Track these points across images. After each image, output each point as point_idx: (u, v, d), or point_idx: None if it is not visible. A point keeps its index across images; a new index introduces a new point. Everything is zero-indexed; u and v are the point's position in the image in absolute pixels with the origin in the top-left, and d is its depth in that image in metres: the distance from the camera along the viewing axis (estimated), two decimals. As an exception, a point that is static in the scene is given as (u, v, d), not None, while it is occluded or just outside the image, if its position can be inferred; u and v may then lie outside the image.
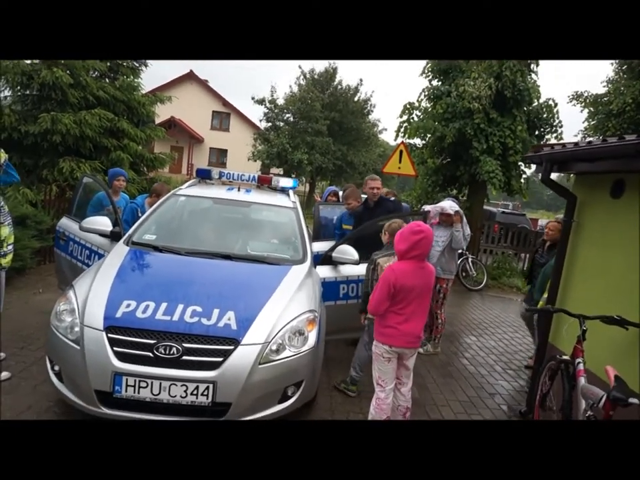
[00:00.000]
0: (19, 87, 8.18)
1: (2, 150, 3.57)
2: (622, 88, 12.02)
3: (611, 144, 2.85)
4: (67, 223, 4.69)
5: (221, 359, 2.71)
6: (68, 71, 7.99)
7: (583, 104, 13.18)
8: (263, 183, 5.35)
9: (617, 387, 2.25)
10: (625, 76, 12.44)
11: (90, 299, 2.93)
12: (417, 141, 10.49)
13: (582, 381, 2.76)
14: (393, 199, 5.42)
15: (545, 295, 4.10)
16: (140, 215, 4.69)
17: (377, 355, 3.15)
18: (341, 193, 6.25)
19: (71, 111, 7.90)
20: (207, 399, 2.66)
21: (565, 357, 3.10)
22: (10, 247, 3.52)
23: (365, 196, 5.01)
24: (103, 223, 4.04)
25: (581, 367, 2.85)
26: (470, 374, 4.82)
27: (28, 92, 8.15)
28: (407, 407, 3.20)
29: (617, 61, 12.65)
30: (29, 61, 8.22)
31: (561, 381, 3.05)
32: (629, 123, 11.45)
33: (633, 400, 2.14)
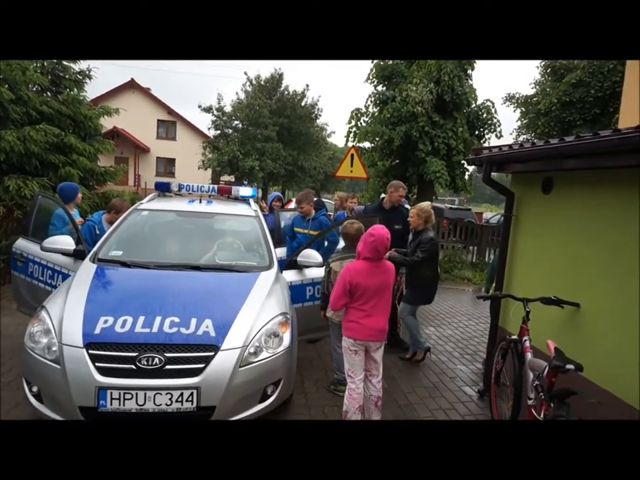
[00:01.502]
0: (-47, 104, 7.76)
1: None
2: (548, 89, 13.08)
3: (538, 147, 3.26)
4: (24, 244, 4.58)
5: (202, 365, 2.84)
6: (7, 86, 7.68)
7: (515, 104, 14.19)
8: (223, 193, 5.47)
9: (557, 357, 2.61)
10: (550, 78, 13.52)
11: (65, 317, 2.96)
12: (367, 144, 10.92)
13: (529, 356, 3.13)
14: (406, 206, 5.68)
15: (494, 285, 4.52)
16: (97, 232, 4.66)
17: (345, 348, 3.40)
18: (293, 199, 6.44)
19: (14, 127, 7.59)
20: (192, 404, 2.78)
21: (513, 337, 3.47)
22: None
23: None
24: (66, 242, 4.01)
25: (527, 344, 3.23)
26: (431, 362, 5.17)
27: (-36, 109, 7.74)
28: (377, 396, 3.46)
29: (542, 63, 13.73)
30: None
31: (511, 359, 3.42)
32: (555, 121, 12.49)
33: (569, 366, 2.50)
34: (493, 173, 4.14)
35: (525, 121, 14.02)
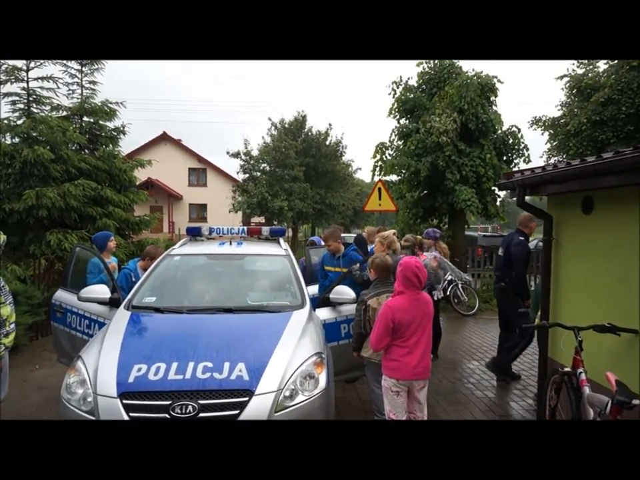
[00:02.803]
0: (0, 167, 8.32)
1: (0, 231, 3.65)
2: (575, 110, 12.84)
3: (574, 166, 3.12)
4: (62, 295, 4.70)
5: (237, 412, 2.73)
6: (49, 147, 8.19)
7: (543, 127, 13.97)
8: (253, 234, 5.51)
9: (620, 391, 2.37)
10: (576, 98, 13.31)
11: (100, 367, 2.95)
12: (393, 177, 10.90)
13: (586, 390, 2.87)
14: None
15: (540, 312, 4.26)
16: (133, 279, 4.74)
17: (386, 389, 3.22)
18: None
19: (54, 185, 8.03)
20: (228, 454, 2.66)
21: (566, 369, 3.21)
22: (12, 326, 3.52)
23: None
24: (101, 291, 4.08)
25: (583, 376, 2.97)
26: (478, 398, 4.86)
27: (10, 171, 8.28)
28: (422, 439, 3.24)
29: (567, 85, 13.57)
30: (9, 141, 8.42)
31: (566, 394, 3.15)
32: (587, 140, 12.17)
33: (635, 401, 2.26)
34: (527, 197, 4.00)
35: (554, 143, 13.73)
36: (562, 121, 13.50)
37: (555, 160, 14.13)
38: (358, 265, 4.51)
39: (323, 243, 6.32)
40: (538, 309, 4.41)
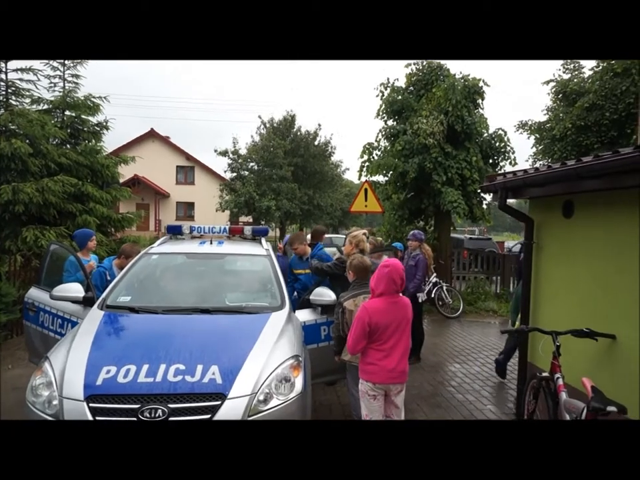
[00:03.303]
0: (-24, 160, 8.09)
1: None
2: (561, 114, 12.97)
3: (555, 169, 3.10)
4: (35, 293, 4.57)
5: (208, 416, 2.65)
6: (27, 141, 7.99)
7: (529, 131, 14.09)
8: (235, 233, 5.42)
9: (595, 398, 2.35)
10: (562, 103, 13.44)
11: (67, 368, 2.84)
12: (380, 178, 10.88)
13: (563, 395, 2.85)
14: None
15: (519, 316, 4.25)
16: (108, 277, 4.62)
17: (362, 392, 3.17)
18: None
19: (33, 180, 7.83)
20: (198, 459, 2.58)
21: (544, 374, 3.19)
22: None
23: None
24: (75, 289, 3.96)
25: (560, 382, 2.95)
26: (459, 402, 4.84)
27: (-15, 164, 8.06)
28: (400, 444, 3.19)
29: (552, 90, 13.69)
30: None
31: (544, 399, 3.13)
32: (572, 145, 12.30)
33: (610, 408, 2.24)
34: (511, 200, 3.99)
35: (540, 147, 13.85)
36: (547, 125, 13.63)
37: (540, 164, 14.28)
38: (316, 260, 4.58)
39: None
40: (518, 312, 4.40)
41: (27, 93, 8.67)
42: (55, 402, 2.70)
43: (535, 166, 14.31)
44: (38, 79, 8.71)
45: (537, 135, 14.01)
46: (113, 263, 4.81)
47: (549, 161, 13.37)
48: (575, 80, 13.23)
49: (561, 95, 13.40)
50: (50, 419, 2.66)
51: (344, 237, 6.88)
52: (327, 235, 13.03)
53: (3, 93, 8.39)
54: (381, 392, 3.11)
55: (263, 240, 5.27)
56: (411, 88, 10.88)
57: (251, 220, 24.61)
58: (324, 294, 4.09)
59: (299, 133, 26.00)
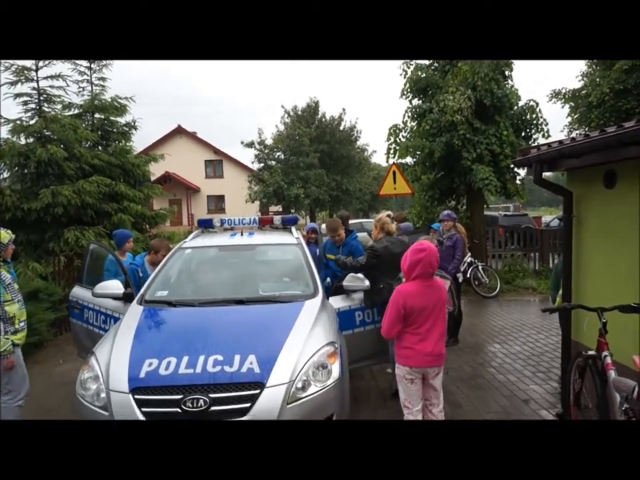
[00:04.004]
0: (16, 168, 8.45)
1: (7, 230, 3.67)
2: (597, 79, 12.28)
3: (593, 138, 2.93)
4: (79, 292, 4.75)
5: (248, 405, 2.70)
6: (62, 146, 8.27)
7: (563, 100, 13.45)
8: (265, 223, 5.46)
9: (647, 375, 2.24)
10: (598, 67, 12.72)
11: (112, 362, 2.95)
12: (408, 160, 10.67)
13: (612, 374, 2.73)
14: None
15: (561, 292, 4.10)
16: (140, 274, 4.72)
17: (399, 377, 3.15)
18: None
19: (69, 182, 8.12)
20: (240, 447, 2.64)
21: (590, 352, 3.07)
22: (22, 324, 3.56)
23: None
24: (115, 286, 4.09)
25: (608, 360, 2.83)
26: (500, 383, 4.74)
27: (26, 171, 8.41)
28: (441, 427, 3.16)
29: (588, 54, 12.97)
30: (23, 141, 8.52)
31: (591, 378, 3.01)
32: (610, 111, 11.66)
33: (665, 386, 2.13)
34: (547, 173, 3.81)
35: (575, 116, 13.19)
36: (583, 92, 12.94)
37: (576, 134, 13.63)
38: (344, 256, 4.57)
39: (321, 230, 6.29)
40: (558, 289, 4.24)
41: (58, 99, 8.95)
42: (103, 394, 2.82)
43: (571, 136, 13.70)
44: (67, 84, 8.99)
45: (572, 104, 13.34)
46: (144, 260, 4.93)
47: (586, 129, 12.73)
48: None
49: (596, 59, 12.67)
50: (99, 410, 2.78)
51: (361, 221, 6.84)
52: (357, 220, 12.88)
53: (36, 101, 8.68)
54: (418, 375, 3.08)
55: (293, 229, 5.28)
56: (435, 64, 10.54)
57: (280, 209, 24.75)
58: (357, 280, 4.07)
59: (323, 119, 25.80)
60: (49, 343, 6.53)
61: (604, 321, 2.95)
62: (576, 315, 3.79)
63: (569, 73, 16.97)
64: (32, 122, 8.50)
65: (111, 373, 2.88)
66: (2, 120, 8.37)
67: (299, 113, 25.64)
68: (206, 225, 5.30)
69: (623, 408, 2.48)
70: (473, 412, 4.07)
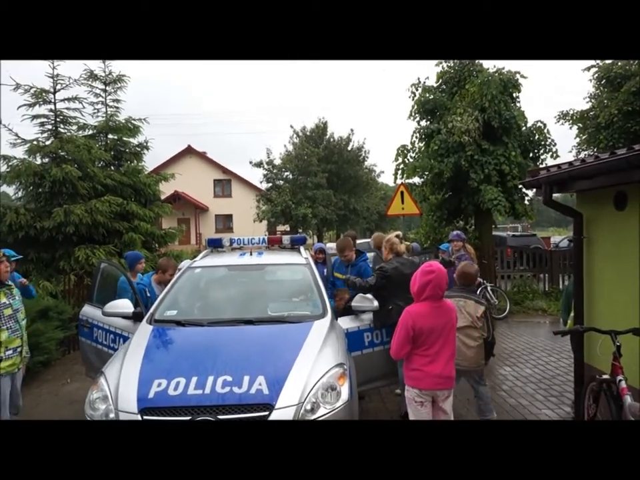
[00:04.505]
0: (31, 187, 8.62)
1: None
2: (605, 101, 12.35)
3: (603, 160, 2.94)
4: (88, 310, 4.78)
5: (257, 427, 2.68)
6: (76, 165, 8.44)
7: (571, 121, 13.51)
8: (274, 243, 5.49)
9: (664, 401, 2.19)
10: (606, 89, 12.81)
11: (121, 383, 2.95)
12: (416, 180, 10.73)
13: (628, 399, 2.68)
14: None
15: (572, 314, 4.05)
16: (148, 294, 4.74)
17: (409, 399, 3.11)
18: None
19: (82, 202, 8.25)
20: (249, 470, 2.61)
21: (605, 377, 3.01)
22: (9, 352, 3.58)
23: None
24: (125, 305, 4.11)
25: (623, 384, 2.78)
26: (511, 407, 4.65)
27: (40, 190, 8.57)
28: (452, 452, 3.10)
29: (595, 75, 13.09)
30: (38, 161, 8.70)
31: (606, 402, 2.95)
32: (619, 132, 11.69)
33: (682, 412, 2.08)
34: (556, 194, 3.82)
35: (584, 137, 13.23)
36: (591, 113, 13.00)
37: (584, 154, 13.63)
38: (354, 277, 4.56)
39: (330, 250, 6.30)
40: (570, 310, 4.19)
41: (74, 121, 9.18)
42: (112, 415, 2.81)
43: (579, 157, 13.70)
44: (83, 106, 9.22)
45: (580, 125, 13.39)
46: (152, 279, 4.95)
47: (595, 150, 12.75)
48: (619, 63, 12.57)
49: (604, 81, 12.77)
50: (107, 431, 2.76)
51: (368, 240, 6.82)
52: (364, 240, 12.90)
53: (52, 122, 8.91)
54: (428, 398, 3.04)
55: (302, 248, 5.30)
56: (443, 86, 10.68)
57: (288, 229, 24.85)
58: (366, 300, 4.06)
59: (331, 140, 26.10)
60: (57, 362, 6.54)
61: (618, 344, 2.91)
62: (588, 337, 3.74)
63: (578, 94, 17.08)
64: (48, 142, 8.71)
65: (120, 393, 2.87)
66: (17, 140, 8.60)
67: (308, 133, 25.98)
68: (215, 245, 5.33)
69: (640, 435, 2.42)
70: (484, 437, 3.99)
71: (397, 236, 4.48)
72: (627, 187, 3.19)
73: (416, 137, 10.46)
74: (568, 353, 6.00)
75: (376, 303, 4.03)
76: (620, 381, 2.80)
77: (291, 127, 26.58)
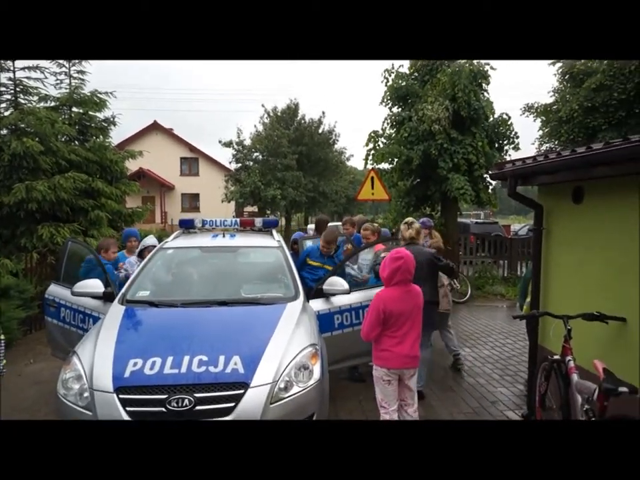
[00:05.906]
0: (-12, 160, 8.20)
1: None
2: (568, 96, 12.84)
3: (565, 157, 3.14)
4: (56, 290, 4.68)
5: (232, 404, 2.77)
6: (37, 139, 8.08)
7: (535, 114, 13.98)
8: (246, 225, 5.51)
9: (607, 379, 2.43)
10: (569, 84, 13.30)
11: (96, 362, 2.96)
12: (385, 166, 10.89)
13: (575, 377, 2.94)
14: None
15: (528, 299, 4.32)
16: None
17: (377, 378, 3.28)
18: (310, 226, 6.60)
19: (44, 177, 7.94)
20: (224, 445, 2.70)
21: (556, 357, 3.27)
22: None
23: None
24: (95, 285, 4.06)
25: (572, 364, 3.03)
26: (469, 385, 4.95)
27: (-1, 163, 8.17)
28: (415, 427, 3.30)
29: (559, 70, 13.54)
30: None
31: (555, 380, 3.22)
32: (579, 127, 12.20)
33: (622, 389, 2.32)
34: (518, 186, 4.02)
35: (546, 130, 13.75)
36: (554, 107, 13.50)
37: (546, 147, 14.17)
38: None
39: (308, 231, 6.43)
40: (526, 296, 4.47)
41: (35, 91, 8.73)
42: (86, 394, 2.83)
43: (542, 149, 14.20)
44: (45, 76, 8.78)
45: (543, 118, 13.89)
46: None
47: (556, 143, 13.28)
48: (582, 60, 13.06)
49: (567, 76, 13.25)
50: (83, 410, 2.78)
51: (340, 224, 6.93)
52: (334, 223, 13.07)
53: (12, 92, 8.46)
54: (395, 377, 3.22)
55: (274, 231, 5.35)
56: (416, 74, 10.81)
57: (256, 210, 24.67)
58: (337, 283, 4.18)
59: (302, 122, 25.88)
60: (19, 342, 6.38)
61: (569, 327, 3.16)
62: (543, 321, 4.02)
63: (541, 88, 17.58)
64: (7, 113, 8.28)
65: (94, 372, 2.88)
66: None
67: (279, 114, 25.65)
68: (187, 226, 5.31)
69: (584, 409, 2.67)
70: (444, 412, 4.25)
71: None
72: (584, 183, 3.42)
73: (387, 123, 10.59)
74: (523, 335, 6.38)
75: (346, 286, 4.15)
76: (569, 360, 3.06)
77: (262, 105, 26.13)
